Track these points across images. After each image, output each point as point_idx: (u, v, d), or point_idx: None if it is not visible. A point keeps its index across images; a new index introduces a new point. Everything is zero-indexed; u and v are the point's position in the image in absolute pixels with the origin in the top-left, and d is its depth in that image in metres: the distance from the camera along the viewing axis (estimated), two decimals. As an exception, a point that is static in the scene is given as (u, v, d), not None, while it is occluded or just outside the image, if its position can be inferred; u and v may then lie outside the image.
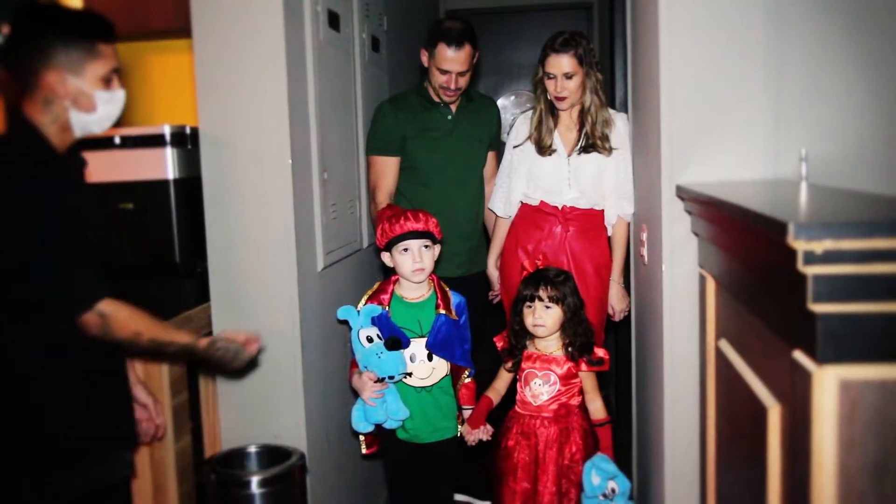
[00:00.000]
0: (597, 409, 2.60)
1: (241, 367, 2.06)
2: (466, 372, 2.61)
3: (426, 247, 2.48)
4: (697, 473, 2.16)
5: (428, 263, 2.48)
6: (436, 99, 3.15)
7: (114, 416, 1.92)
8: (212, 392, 2.59)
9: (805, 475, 1.22)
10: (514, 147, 3.05)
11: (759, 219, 1.28)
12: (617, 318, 3.03)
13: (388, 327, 2.47)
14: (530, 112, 3.06)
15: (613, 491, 2.43)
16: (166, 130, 2.40)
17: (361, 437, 2.56)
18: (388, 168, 3.10)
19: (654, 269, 2.37)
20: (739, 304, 1.65)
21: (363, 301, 2.53)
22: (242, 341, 2.02)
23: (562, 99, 2.87)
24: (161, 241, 2.43)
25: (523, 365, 2.62)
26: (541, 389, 2.57)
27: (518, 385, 2.64)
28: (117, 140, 2.40)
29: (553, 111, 2.96)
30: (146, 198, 2.41)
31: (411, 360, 2.49)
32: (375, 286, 2.59)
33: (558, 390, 2.57)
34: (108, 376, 1.93)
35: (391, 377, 2.44)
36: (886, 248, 1.10)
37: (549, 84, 2.87)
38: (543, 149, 2.96)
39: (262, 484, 2.28)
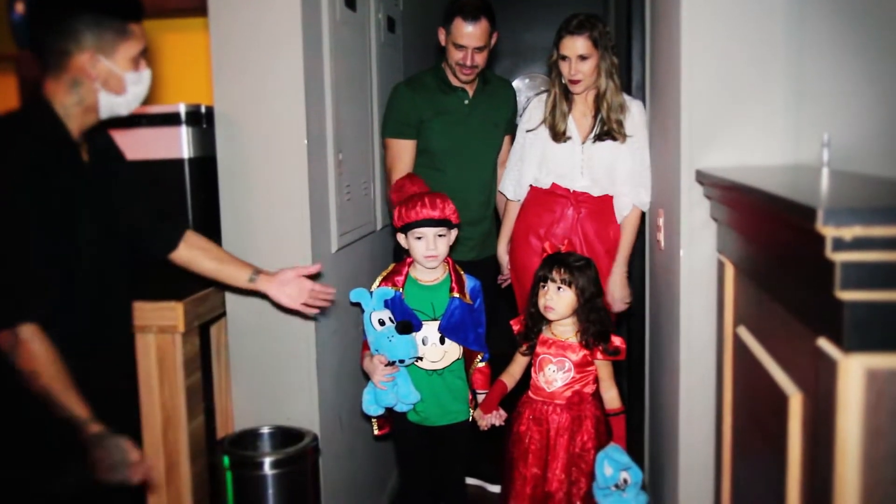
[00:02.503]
0: (611, 398, 2.56)
1: (112, 479, 1.69)
2: (480, 356, 2.60)
3: (441, 235, 2.46)
4: (712, 462, 2.14)
5: (442, 250, 2.47)
6: (453, 81, 3.11)
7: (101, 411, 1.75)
8: (225, 373, 2.59)
9: (828, 465, 1.20)
10: (528, 131, 3.02)
11: (786, 205, 1.26)
12: (615, 309, 2.95)
13: (401, 310, 2.45)
14: (544, 95, 3.02)
15: (626, 481, 2.41)
16: (181, 109, 2.38)
17: (374, 419, 2.55)
18: (404, 151, 3.08)
19: (671, 255, 2.35)
20: (760, 290, 1.63)
21: (377, 282, 2.52)
22: (133, 459, 1.70)
23: (576, 82, 2.83)
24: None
25: (538, 350, 2.59)
26: (555, 376, 2.54)
27: (532, 370, 2.61)
28: (131, 118, 2.38)
29: (567, 95, 2.92)
30: (161, 176, 2.38)
31: (423, 342, 2.47)
32: (390, 268, 2.58)
33: (572, 377, 2.54)
34: (97, 368, 1.84)
35: (401, 361, 2.43)
36: (918, 235, 1.08)
37: (564, 66, 2.84)
38: (558, 134, 2.93)
39: (275, 465, 2.27)
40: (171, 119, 2.38)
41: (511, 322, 2.70)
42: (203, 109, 2.45)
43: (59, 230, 1.73)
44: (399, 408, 2.50)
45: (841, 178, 1.63)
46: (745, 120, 2.14)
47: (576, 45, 2.79)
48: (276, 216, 2.43)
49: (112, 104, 1.80)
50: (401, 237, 2.51)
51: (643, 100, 3.03)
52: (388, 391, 2.44)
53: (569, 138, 2.92)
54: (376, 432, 2.59)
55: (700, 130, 2.16)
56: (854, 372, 1.14)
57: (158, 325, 2.28)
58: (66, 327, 1.74)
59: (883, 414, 1.14)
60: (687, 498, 2.25)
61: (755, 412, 1.71)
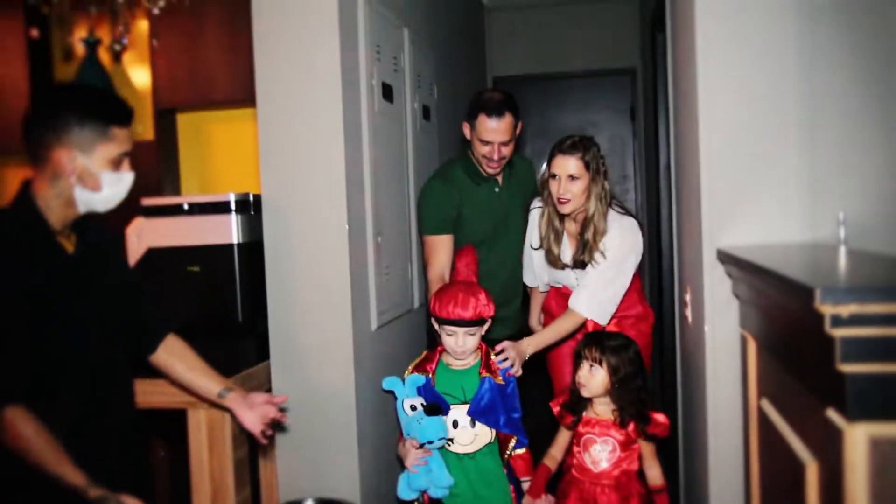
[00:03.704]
0: (654, 476, 2.57)
1: None
2: (514, 440, 2.59)
3: (472, 333, 2.51)
4: (743, 531, 2.19)
5: (471, 346, 2.52)
6: (482, 172, 3.13)
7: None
8: (270, 447, 2.69)
9: (840, 530, 1.27)
10: (532, 248, 3.08)
11: (788, 283, 1.36)
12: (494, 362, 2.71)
13: (431, 395, 2.50)
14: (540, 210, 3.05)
15: None
16: (231, 198, 2.55)
17: None
18: (442, 245, 3.07)
19: (698, 330, 2.43)
20: (778, 364, 1.71)
21: (409, 369, 2.58)
22: None
23: (564, 202, 2.81)
24: (224, 302, 2.57)
25: (581, 430, 2.59)
26: (600, 455, 2.54)
27: (574, 450, 2.61)
28: (186, 206, 2.56)
29: (560, 214, 2.92)
30: (212, 260, 2.54)
31: (454, 425, 2.50)
32: (423, 355, 2.64)
33: (619, 457, 2.54)
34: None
35: (430, 442, 2.46)
36: (910, 311, 1.18)
37: (553, 185, 2.83)
38: (554, 263, 2.97)
39: (318, 536, 2.37)
40: (221, 207, 2.55)
41: (550, 404, 2.68)
42: (251, 197, 2.62)
43: (40, 318, 1.80)
44: (433, 493, 2.52)
45: (850, 257, 1.72)
46: (763, 199, 2.21)
47: (567, 165, 2.79)
48: (319, 296, 2.57)
49: (88, 200, 1.86)
50: (435, 323, 2.55)
51: (669, 180, 3.14)
52: (421, 475, 2.48)
53: (566, 266, 2.94)
54: None
55: (720, 210, 2.24)
56: (859, 440, 1.21)
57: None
58: (63, 412, 1.83)
59: (888, 479, 1.21)
60: (720, 569, 2.29)
61: (779, 482, 1.76)
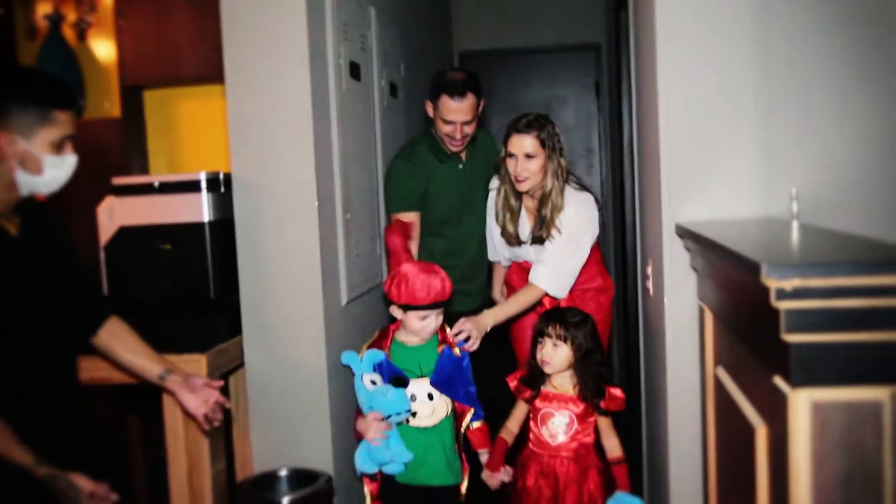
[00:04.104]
0: (612, 447, 2.61)
1: None
2: (470, 413, 2.62)
3: (440, 313, 2.56)
4: (701, 493, 2.29)
5: (438, 324, 2.57)
6: (446, 149, 3.17)
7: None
8: (243, 420, 2.75)
9: (785, 488, 1.36)
10: (493, 222, 3.11)
11: (738, 258, 1.44)
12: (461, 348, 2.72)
13: (389, 370, 2.53)
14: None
15: None
16: (202, 177, 2.58)
17: (367, 489, 2.61)
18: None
19: (658, 302, 2.51)
20: (731, 334, 1.80)
21: (364, 347, 2.60)
22: (87, 490, 1.84)
23: (522, 180, 2.85)
24: (197, 279, 2.59)
25: (538, 404, 2.62)
26: (558, 429, 2.58)
27: (531, 424, 2.64)
28: (156, 185, 2.58)
29: (517, 192, 2.96)
30: (183, 238, 2.57)
31: (412, 399, 2.53)
32: (375, 334, 2.67)
33: (575, 429, 2.59)
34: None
35: (398, 414, 2.49)
36: (847, 285, 1.26)
37: (510, 163, 2.86)
38: (510, 240, 3.02)
39: (293, 504, 2.44)
40: (192, 186, 2.58)
41: (507, 378, 2.70)
42: (221, 176, 2.65)
43: None
44: (391, 469, 2.55)
45: (802, 232, 1.80)
46: (720, 175, 2.28)
47: (523, 144, 2.82)
48: (290, 273, 2.61)
49: (30, 183, 1.88)
50: (395, 310, 2.56)
51: (632, 155, 3.20)
52: (383, 447, 2.49)
53: (523, 243, 2.99)
54: (369, 503, 2.62)
55: (679, 186, 2.30)
56: (802, 405, 1.30)
57: (183, 375, 2.45)
58: (6, 391, 1.87)
59: (828, 442, 1.30)
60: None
61: (733, 445, 1.86)
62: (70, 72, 3.98)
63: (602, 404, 2.54)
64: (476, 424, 2.64)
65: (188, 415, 2.24)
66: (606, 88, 5.52)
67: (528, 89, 5.66)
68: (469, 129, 3.08)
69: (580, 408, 2.58)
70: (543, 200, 2.89)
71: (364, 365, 2.52)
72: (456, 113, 3.00)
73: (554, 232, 2.88)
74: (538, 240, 2.93)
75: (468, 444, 2.66)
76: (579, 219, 2.90)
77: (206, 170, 2.66)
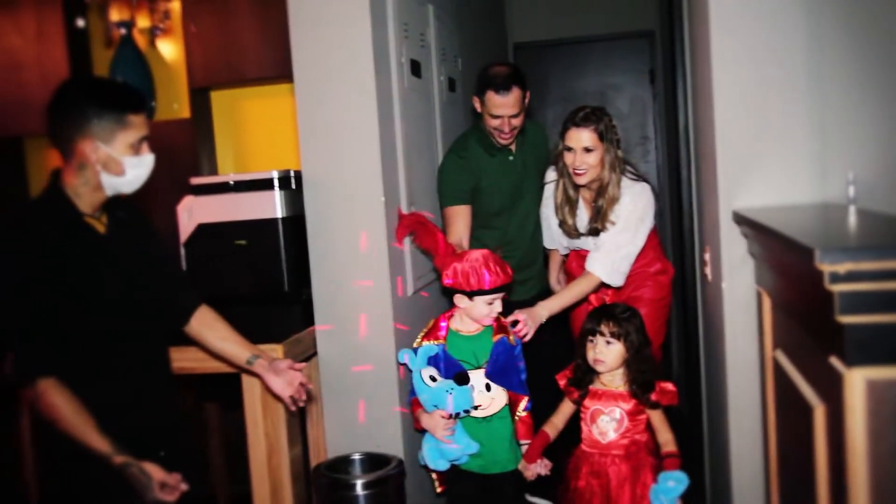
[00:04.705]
0: (666, 441, 2.57)
1: (150, 500, 1.94)
2: (524, 402, 2.65)
3: (503, 297, 2.60)
4: (762, 473, 2.35)
5: (499, 309, 2.61)
6: (495, 143, 3.21)
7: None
8: (316, 407, 2.88)
9: (843, 462, 1.42)
10: (550, 214, 3.16)
11: (792, 244, 1.51)
12: (515, 334, 2.76)
13: (447, 362, 2.57)
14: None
15: None
16: (275, 175, 2.70)
17: (434, 476, 2.67)
18: (459, 215, 3.18)
19: (717, 287, 2.55)
20: (788, 317, 1.85)
21: (419, 339, 2.67)
22: (158, 479, 1.94)
23: (580, 174, 2.88)
24: (271, 272, 2.72)
25: (587, 403, 2.61)
26: (608, 426, 2.57)
27: (582, 423, 2.63)
28: (232, 184, 2.72)
29: (576, 184, 2.99)
30: (258, 234, 2.70)
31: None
32: (429, 324, 2.71)
33: (626, 427, 2.57)
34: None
35: (466, 411, 2.55)
36: (898, 267, 1.32)
37: (568, 157, 2.89)
38: (569, 233, 3.06)
39: (366, 486, 2.55)
40: (265, 184, 2.70)
41: (557, 377, 2.70)
42: (292, 174, 2.78)
43: (77, 294, 1.96)
44: (461, 461, 2.61)
45: (857, 216, 1.85)
46: (776, 161, 2.31)
47: (581, 137, 2.84)
48: (359, 265, 2.72)
49: (114, 184, 2.00)
50: (460, 298, 2.60)
51: (688, 142, 3.25)
52: (453, 444, 2.55)
53: (582, 235, 3.03)
54: (438, 489, 2.72)
55: (735, 172, 2.34)
56: (857, 383, 1.35)
57: (262, 364, 2.58)
58: (101, 383, 1.99)
59: (882, 418, 1.36)
60: (741, 508, 2.46)
61: (792, 425, 1.91)
62: (142, 76, 4.16)
63: (653, 397, 2.53)
64: (522, 415, 2.66)
65: (275, 396, 2.36)
66: (661, 76, 5.53)
67: (583, 79, 5.70)
68: (517, 122, 3.12)
69: (630, 404, 2.57)
70: (600, 192, 2.93)
71: (419, 360, 2.58)
72: (502, 107, 3.05)
73: (608, 224, 2.93)
74: (594, 231, 2.97)
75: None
76: (634, 208, 2.94)
77: (270, 167, 2.78)
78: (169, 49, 4.40)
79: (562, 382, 2.66)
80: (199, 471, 2.21)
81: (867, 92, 2.15)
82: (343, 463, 2.73)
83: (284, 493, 2.66)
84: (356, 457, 2.75)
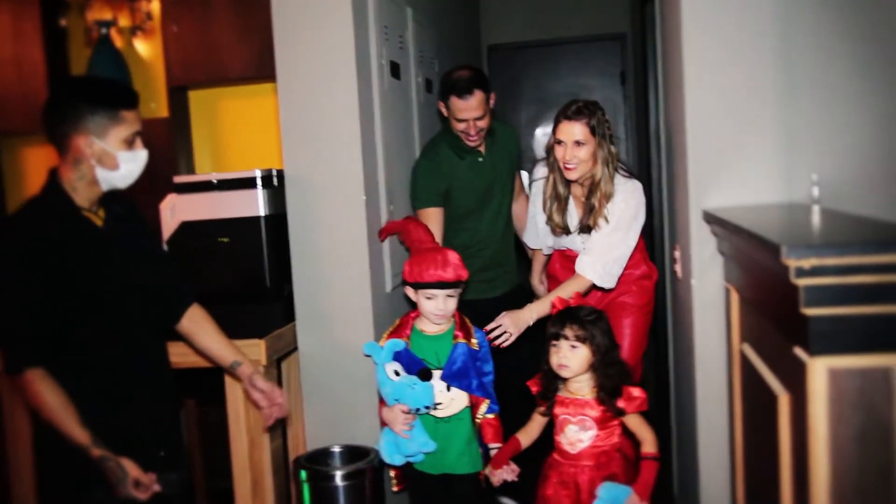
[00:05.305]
0: (644, 441, 2.46)
1: (123, 494, 1.99)
2: (485, 405, 2.59)
3: (450, 295, 2.56)
4: (728, 461, 2.44)
5: (452, 308, 2.57)
6: (464, 146, 3.24)
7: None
8: (295, 402, 2.93)
9: (805, 446, 1.50)
10: (537, 211, 3.10)
11: (761, 241, 1.59)
12: (495, 341, 2.77)
13: (409, 360, 2.56)
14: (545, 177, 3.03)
15: None
16: (257, 173, 2.75)
17: (392, 474, 2.68)
18: (432, 217, 3.19)
19: (686, 284, 2.62)
20: (755, 311, 1.93)
21: (384, 336, 2.66)
22: (133, 476, 1.98)
23: (571, 168, 2.82)
24: (253, 269, 2.77)
25: (556, 411, 2.50)
26: (577, 436, 2.46)
27: (554, 432, 2.53)
28: (215, 182, 2.77)
29: (567, 180, 2.91)
30: (240, 232, 2.75)
31: None
32: (396, 322, 2.70)
33: (596, 435, 2.46)
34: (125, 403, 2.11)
35: (427, 407, 2.55)
36: (859, 263, 1.39)
37: (559, 151, 2.82)
38: (556, 230, 2.99)
39: (345, 477, 2.62)
40: (248, 182, 2.75)
41: (528, 383, 2.59)
42: (274, 172, 2.83)
43: (73, 286, 2.00)
44: (416, 458, 2.61)
45: (821, 216, 1.94)
46: (745, 163, 2.38)
47: (573, 131, 2.78)
48: (340, 262, 2.78)
49: (109, 178, 2.06)
50: (409, 290, 2.62)
51: (658, 143, 3.32)
52: (411, 440, 2.55)
53: (570, 232, 2.97)
54: (395, 489, 2.70)
55: (705, 173, 2.41)
56: (819, 371, 1.43)
57: (245, 359, 2.63)
58: (94, 373, 2.04)
59: (843, 404, 1.43)
60: (708, 498, 2.53)
61: (757, 414, 1.99)
62: (120, 74, 4.18)
63: (619, 404, 2.43)
64: (489, 416, 2.61)
65: (250, 400, 2.41)
66: (632, 78, 5.64)
67: (555, 80, 5.79)
68: (483, 124, 3.16)
69: (598, 411, 2.46)
70: (593, 189, 2.87)
71: (385, 354, 2.57)
72: (466, 111, 3.08)
73: (601, 221, 2.88)
74: (586, 229, 2.91)
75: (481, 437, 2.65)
76: (627, 206, 2.89)
77: (248, 167, 2.82)
78: (147, 48, 4.42)
79: (534, 389, 2.57)
80: (189, 470, 2.25)
81: (833, 96, 2.24)
82: (323, 455, 2.78)
83: (265, 486, 2.72)
84: (335, 449, 2.80)
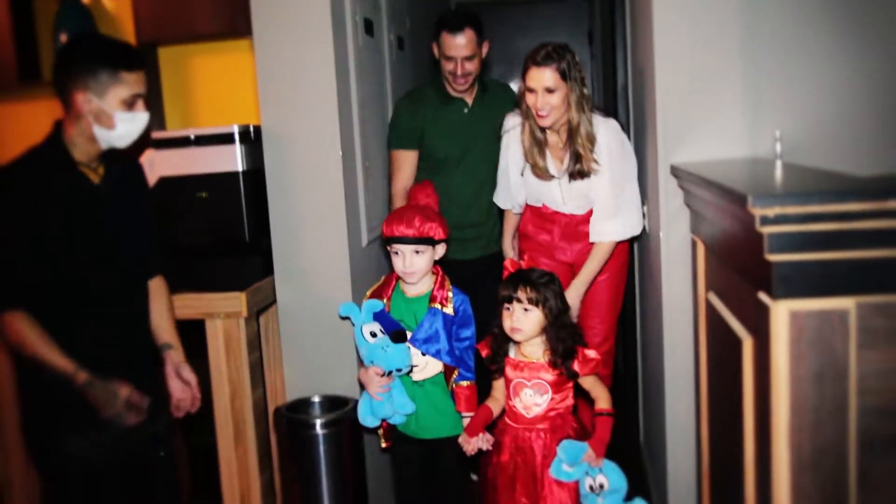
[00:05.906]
0: (598, 398, 2.48)
1: (114, 418, 2.07)
2: (455, 373, 2.56)
3: (418, 252, 2.51)
4: (693, 407, 2.54)
5: (419, 266, 2.52)
6: (451, 92, 3.25)
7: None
8: (273, 354, 2.99)
9: (767, 384, 1.60)
10: (510, 163, 3.05)
11: (728, 192, 1.68)
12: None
13: (388, 321, 2.54)
14: (520, 125, 2.94)
15: (602, 486, 2.39)
16: (235, 129, 2.77)
17: (380, 433, 2.69)
18: (405, 161, 3.25)
19: (654, 237, 2.73)
20: (721, 261, 2.03)
21: (368, 294, 2.66)
22: (124, 396, 2.06)
23: (543, 116, 2.74)
24: (232, 224, 2.80)
25: (510, 374, 2.47)
26: (534, 400, 2.44)
27: (506, 395, 2.51)
28: (193, 137, 2.79)
29: (542, 127, 2.84)
30: (219, 187, 2.78)
31: None
32: (381, 280, 2.72)
33: (551, 398, 2.44)
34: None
35: (399, 370, 2.52)
36: (819, 211, 1.48)
37: (530, 98, 2.75)
38: (540, 174, 2.91)
39: (325, 426, 2.69)
40: (226, 138, 2.77)
41: (478, 346, 2.56)
42: (251, 128, 2.85)
43: (58, 237, 2.04)
44: (394, 420, 2.61)
45: (781, 169, 2.04)
46: (710, 119, 2.47)
47: (542, 77, 2.71)
48: (317, 217, 2.83)
49: (106, 137, 2.10)
50: (385, 245, 2.62)
51: (626, 101, 3.39)
52: (385, 402, 2.54)
53: (552, 177, 2.91)
54: (383, 445, 2.72)
55: (673, 129, 2.50)
56: (781, 313, 1.51)
57: (225, 311, 2.69)
58: (82, 322, 2.10)
59: (803, 344, 1.53)
60: (673, 441, 2.64)
61: (722, 358, 2.10)
62: (87, 30, 4.12)
63: (574, 366, 2.41)
64: (462, 384, 2.58)
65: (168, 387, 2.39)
66: (599, 37, 5.69)
67: (524, 39, 5.82)
68: (470, 67, 3.16)
69: (553, 374, 2.43)
70: (572, 135, 2.80)
71: (363, 315, 2.55)
72: (456, 48, 3.10)
73: (593, 164, 2.81)
74: (580, 174, 2.83)
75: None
76: (615, 144, 2.83)
77: (220, 124, 2.85)
78: (115, 3, 4.36)
79: (484, 352, 2.53)
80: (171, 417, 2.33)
81: (797, 56, 2.33)
82: (303, 405, 2.85)
83: (248, 435, 2.79)
84: (315, 399, 2.88)
